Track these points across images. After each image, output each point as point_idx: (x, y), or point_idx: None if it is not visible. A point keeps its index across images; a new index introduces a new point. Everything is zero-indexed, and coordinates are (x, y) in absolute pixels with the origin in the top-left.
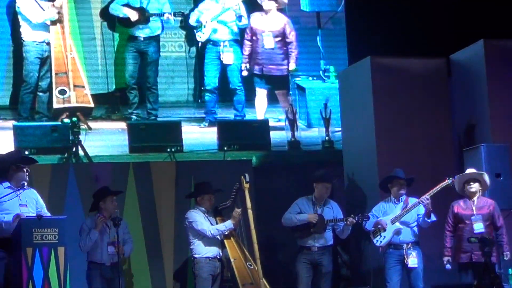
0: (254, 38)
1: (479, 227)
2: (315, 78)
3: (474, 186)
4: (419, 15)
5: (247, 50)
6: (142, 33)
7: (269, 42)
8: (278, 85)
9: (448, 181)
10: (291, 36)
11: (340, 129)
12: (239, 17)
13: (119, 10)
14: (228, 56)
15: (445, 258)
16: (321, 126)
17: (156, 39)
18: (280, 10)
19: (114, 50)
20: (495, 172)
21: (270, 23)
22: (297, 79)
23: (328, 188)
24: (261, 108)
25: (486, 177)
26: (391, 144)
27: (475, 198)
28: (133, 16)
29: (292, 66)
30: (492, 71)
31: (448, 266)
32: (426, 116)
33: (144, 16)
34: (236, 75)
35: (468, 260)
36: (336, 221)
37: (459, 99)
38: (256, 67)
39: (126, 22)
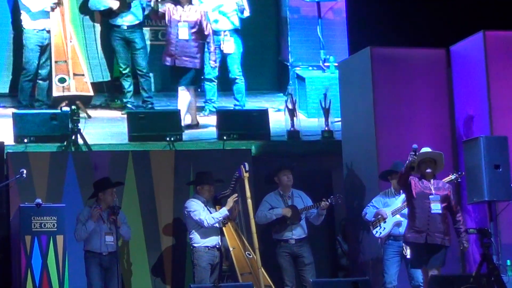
0: (169, 29)
1: (436, 207)
2: (315, 68)
3: (431, 167)
4: (420, 6)
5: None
6: (125, 21)
7: (183, 33)
8: (191, 79)
9: (451, 177)
10: (208, 29)
11: (339, 119)
12: (242, 10)
13: (99, 3)
14: (229, 46)
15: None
16: (321, 116)
17: (139, 26)
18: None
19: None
20: (494, 163)
21: (186, 14)
22: (297, 69)
23: (289, 175)
24: (183, 103)
25: (443, 158)
26: (390, 134)
27: (431, 179)
28: (114, 4)
29: (213, 64)
30: (492, 62)
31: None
32: (425, 107)
33: (125, 4)
34: (236, 64)
35: (423, 241)
36: (309, 208)
37: (459, 90)
38: (168, 59)
39: (107, 14)
